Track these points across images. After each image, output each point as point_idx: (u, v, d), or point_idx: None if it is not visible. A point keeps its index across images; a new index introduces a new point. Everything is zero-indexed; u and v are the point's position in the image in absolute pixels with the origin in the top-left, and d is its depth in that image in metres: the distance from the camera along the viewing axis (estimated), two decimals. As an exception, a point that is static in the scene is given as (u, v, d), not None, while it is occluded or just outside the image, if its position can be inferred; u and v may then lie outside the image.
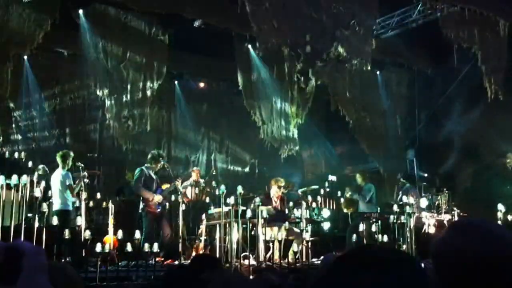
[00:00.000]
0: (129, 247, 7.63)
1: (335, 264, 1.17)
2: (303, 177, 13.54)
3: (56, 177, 8.32)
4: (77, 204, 8.48)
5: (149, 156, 9.50)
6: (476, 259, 1.32)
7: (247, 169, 13.93)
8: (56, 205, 8.18)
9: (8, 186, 7.65)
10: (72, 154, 8.62)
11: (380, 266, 1.12)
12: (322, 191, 11.00)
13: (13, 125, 11.42)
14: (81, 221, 7.94)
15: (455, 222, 1.46)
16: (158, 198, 9.03)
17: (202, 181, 10.66)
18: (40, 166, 9.25)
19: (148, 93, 11.94)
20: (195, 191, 10.39)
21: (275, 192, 9.61)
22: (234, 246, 8.23)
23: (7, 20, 9.94)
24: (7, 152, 10.08)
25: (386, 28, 12.36)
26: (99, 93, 11.53)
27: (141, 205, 9.09)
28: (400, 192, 10.69)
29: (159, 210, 9.10)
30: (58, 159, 8.42)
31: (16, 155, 9.83)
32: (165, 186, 9.53)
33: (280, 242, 8.74)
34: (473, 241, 1.34)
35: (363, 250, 1.27)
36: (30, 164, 8.96)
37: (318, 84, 12.34)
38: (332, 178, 11.10)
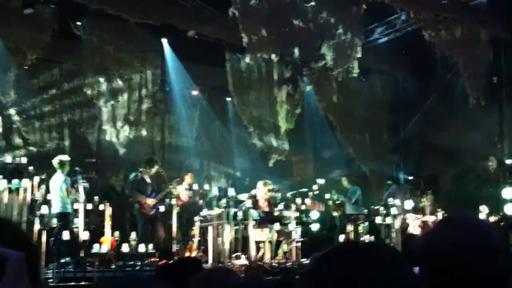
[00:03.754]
0: (125, 248, 8.04)
1: (322, 258, 1.18)
2: (293, 181, 13.92)
3: (56, 181, 8.60)
4: (75, 206, 8.82)
5: (143, 161, 9.92)
6: (466, 252, 1.34)
7: (238, 173, 14.30)
8: (56, 208, 8.44)
9: (10, 190, 8.05)
10: (68, 158, 8.92)
11: (364, 260, 1.13)
12: (310, 194, 11.34)
13: (14, 131, 11.79)
14: (78, 223, 8.35)
15: (443, 218, 1.58)
16: (150, 201, 9.43)
17: (196, 185, 11.02)
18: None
19: (144, 100, 12.37)
20: (188, 194, 10.78)
21: (262, 194, 9.91)
22: (227, 246, 8.62)
23: (8, 32, 10.30)
24: (8, 157, 10.38)
25: (372, 37, 12.78)
26: (96, 100, 11.97)
27: (136, 208, 9.48)
28: (386, 194, 11.08)
29: (152, 212, 9.48)
30: (56, 165, 8.69)
31: (17, 159, 10.16)
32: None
33: (270, 242, 9.12)
34: (463, 235, 1.37)
35: (349, 245, 1.32)
36: (30, 168, 9.30)
37: (306, 90, 12.74)
38: (320, 181, 11.44)
